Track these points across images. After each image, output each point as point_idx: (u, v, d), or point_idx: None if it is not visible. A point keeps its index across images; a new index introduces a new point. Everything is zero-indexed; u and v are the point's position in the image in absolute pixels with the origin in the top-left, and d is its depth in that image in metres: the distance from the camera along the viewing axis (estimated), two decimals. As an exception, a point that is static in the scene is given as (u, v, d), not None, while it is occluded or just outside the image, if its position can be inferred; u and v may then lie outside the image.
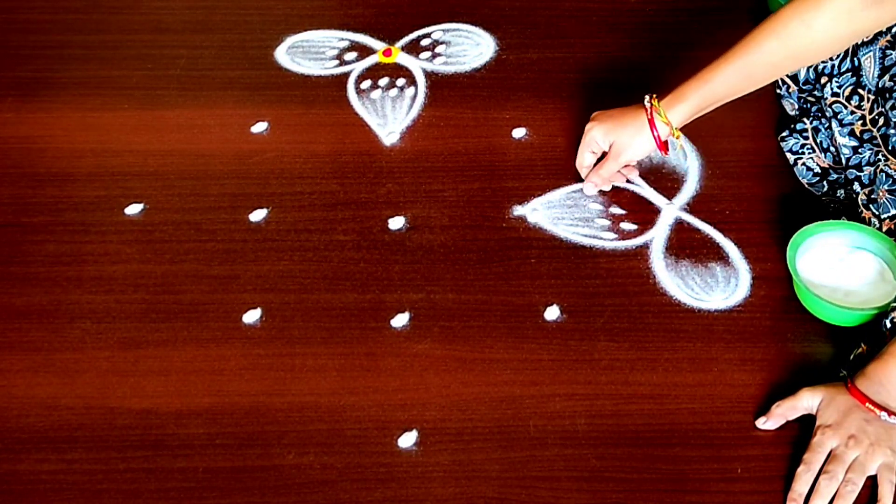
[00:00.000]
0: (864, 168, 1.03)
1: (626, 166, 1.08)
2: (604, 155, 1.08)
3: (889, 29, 1.01)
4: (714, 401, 0.91)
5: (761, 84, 1.01)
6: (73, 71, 1.26)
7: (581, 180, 1.10)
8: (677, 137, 1.03)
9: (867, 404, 0.85)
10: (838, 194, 1.07)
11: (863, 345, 0.92)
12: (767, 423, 0.89)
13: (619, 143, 1.05)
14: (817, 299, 0.94)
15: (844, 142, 1.04)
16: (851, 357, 0.92)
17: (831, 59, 1.07)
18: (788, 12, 0.94)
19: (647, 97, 1.03)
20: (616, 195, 1.10)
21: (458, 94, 1.22)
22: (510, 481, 0.86)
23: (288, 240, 1.06)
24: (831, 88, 1.06)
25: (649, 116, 1.02)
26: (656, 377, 0.93)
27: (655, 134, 1.03)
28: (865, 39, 1.03)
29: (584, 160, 1.08)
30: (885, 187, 0.99)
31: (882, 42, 1.01)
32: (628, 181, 1.11)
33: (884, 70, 1.01)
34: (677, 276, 1.02)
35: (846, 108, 1.05)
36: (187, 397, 0.92)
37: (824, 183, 1.09)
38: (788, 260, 0.97)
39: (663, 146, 1.04)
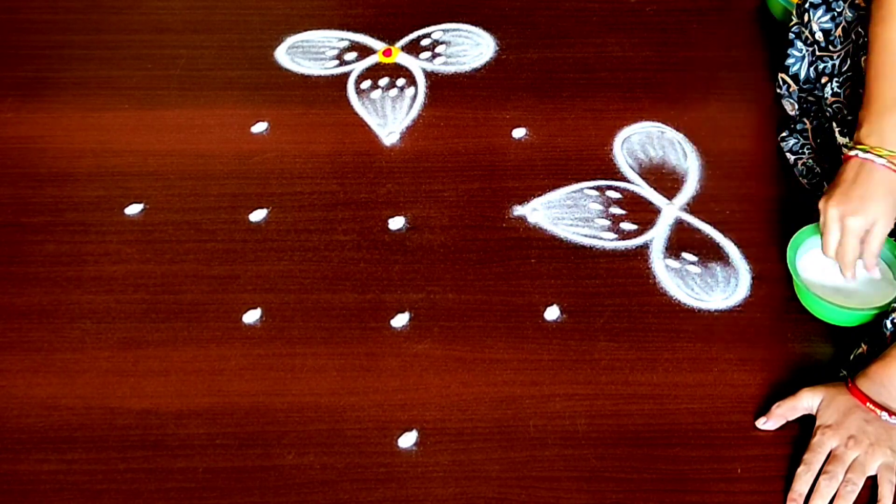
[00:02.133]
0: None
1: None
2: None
3: None
4: (714, 401, 0.91)
5: None
6: (73, 71, 1.26)
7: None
8: None
9: (868, 404, 0.85)
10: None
11: (863, 345, 0.92)
12: (767, 424, 0.89)
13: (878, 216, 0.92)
14: (817, 299, 0.94)
15: (844, 142, 1.04)
16: (852, 357, 0.92)
17: (831, 58, 1.07)
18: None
19: (854, 152, 0.93)
20: (616, 195, 1.10)
21: (458, 94, 1.22)
22: (510, 481, 0.86)
23: (288, 240, 1.06)
24: (831, 88, 1.06)
25: (890, 166, 0.91)
26: (656, 377, 0.93)
27: None
28: (866, 40, 1.03)
29: (849, 254, 0.93)
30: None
31: None
32: (627, 181, 1.11)
33: None
34: (677, 276, 1.02)
35: (846, 108, 1.04)
36: (187, 397, 0.92)
37: (824, 183, 1.09)
38: (788, 260, 0.97)
39: None
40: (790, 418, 0.89)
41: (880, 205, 0.92)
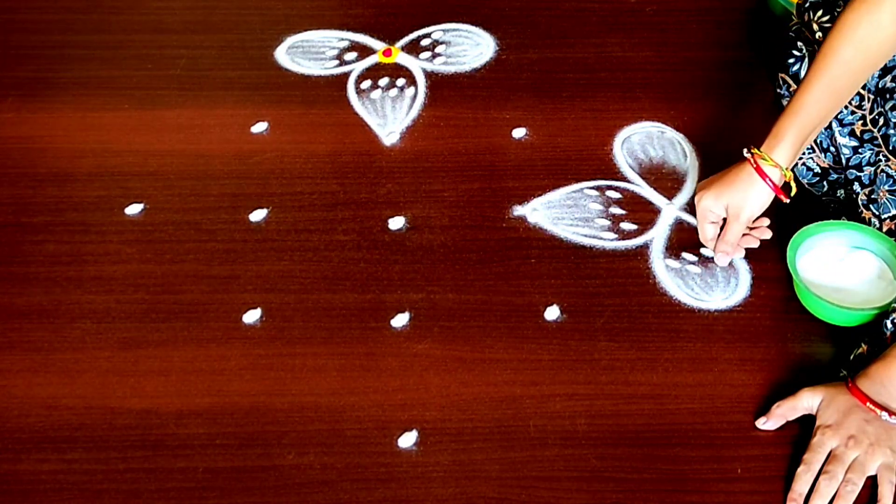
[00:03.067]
0: (865, 168, 1.03)
1: (753, 228, 1.02)
2: (724, 221, 1.02)
3: None
4: (714, 401, 0.91)
5: (847, 98, 0.98)
6: (73, 71, 1.26)
7: None
8: (789, 179, 0.98)
9: (868, 404, 0.85)
10: (838, 194, 1.07)
11: (863, 345, 0.92)
12: (767, 424, 0.89)
13: (735, 203, 0.99)
14: (817, 299, 0.94)
15: (844, 142, 1.04)
16: (852, 357, 0.92)
17: None
18: (853, 16, 0.92)
19: (745, 150, 0.98)
20: (616, 195, 1.10)
21: (458, 94, 1.22)
22: (510, 481, 0.86)
23: (288, 240, 1.06)
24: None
25: (755, 166, 0.97)
26: (656, 377, 0.93)
27: (768, 181, 0.97)
28: None
29: (706, 233, 1.01)
30: (886, 187, 0.99)
31: None
32: (627, 181, 1.11)
33: (885, 71, 1.01)
34: (677, 276, 1.02)
35: (847, 107, 1.05)
36: (187, 397, 0.92)
37: (824, 183, 1.09)
38: (788, 260, 0.97)
39: (780, 191, 0.98)
40: (790, 418, 0.88)
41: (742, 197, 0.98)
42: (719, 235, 1.01)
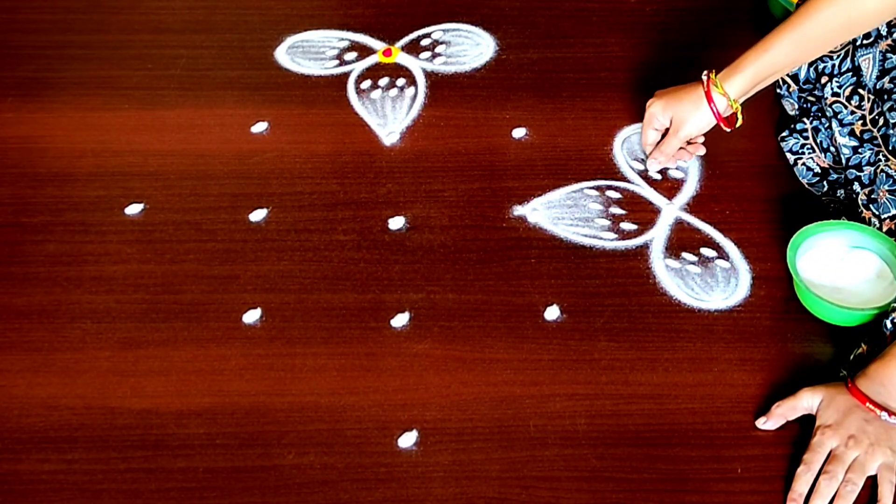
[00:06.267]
0: (864, 168, 1.03)
1: (691, 144, 1.09)
2: (666, 132, 1.09)
3: (890, 32, 1.01)
4: (714, 401, 0.91)
5: (816, 55, 1.01)
6: (73, 71, 1.26)
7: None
8: (735, 110, 1.03)
9: (867, 404, 0.85)
10: (838, 194, 1.07)
11: (863, 345, 0.92)
12: (767, 424, 0.89)
13: (678, 118, 1.05)
14: (817, 299, 0.94)
15: (844, 142, 1.04)
16: (851, 357, 0.92)
17: (831, 58, 1.07)
18: None
19: (704, 72, 1.03)
20: (616, 195, 1.10)
21: (458, 94, 1.22)
22: (510, 481, 0.86)
23: (288, 240, 1.06)
24: (831, 88, 1.06)
25: (706, 89, 1.02)
26: (656, 377, 0.93)
27: (713, 106, 1.03)
28: (865, 42, 1.03)
29: (647, 137, 1.09)
30: (886, 187, 0.99)
31: (883, 45, 1.01)
32: (627, 181, 1.11)
33: (883, 72, 1.01)
34: (677, 276, 1.02)
35: (846, 107, 1.05)
36: (187, 397, 0.92)
37: (824, 183, 1.09)
38: (788, 260, 0.97)
39: (724, 121, 1.04)
40: (790, 418, 0.89)
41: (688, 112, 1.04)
42: (658, 143, 1.09)
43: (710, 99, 1.02)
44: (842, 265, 0.98)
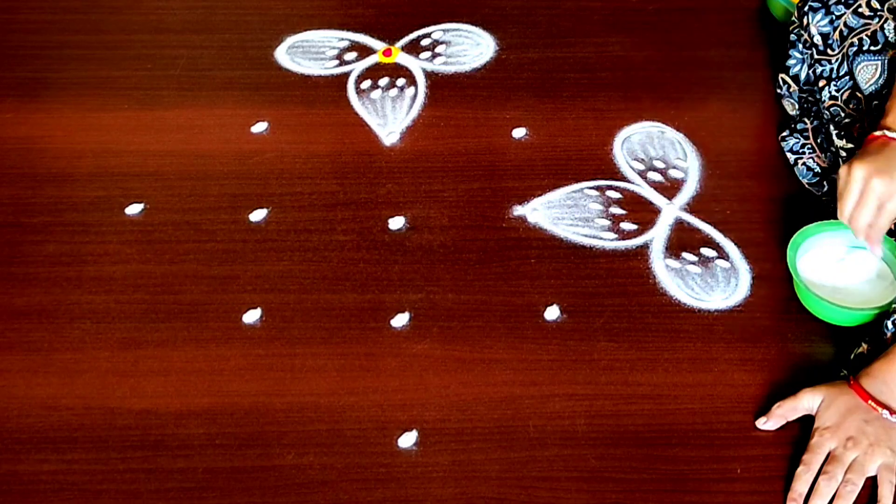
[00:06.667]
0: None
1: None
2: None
3: None
4: (714, 401, 0.91)
5: None
6: (72, 71, 1.26)
7: None
8: None
9: (869, 402, 0.85)
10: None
11: (864, 344, 0.92)
12: (768, 424, 0.89)
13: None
14: (817, 299, 0.94)
15: (842, 144, 1.04)
16: (852, 356, 0.92)
17: (829, 62, 1.07)
18: None
19: (878, 131, 0.90)
20: (616, 195, 1.10)
21: (458, 94, 1.22)
22: (510, 481, 0.86)
23: (288, 240, 1.06)
24: (829, 92, 1.06)
25: None
26: (656, 377, 0.93)
27: None
28: (873, 48, 1.02)
29: (863, 217, 0.90)
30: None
31: (892, 53, 1.01)
32: (627, 181, 1.11)
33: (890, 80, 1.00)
34: (677, 276, 1.02)
35: (844, 111, 1.04)
36: (187, 397, 0.91)
37: (824, 183, 1.09)
38: (789, 260, 0.97)
39: None
40: (790, 419, 0.88)
41: None
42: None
43: None
44: (842, 265, 0.98)
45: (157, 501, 0.85)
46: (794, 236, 0.98)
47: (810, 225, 0.99)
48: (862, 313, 0.94)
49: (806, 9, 1.09)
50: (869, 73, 1.02)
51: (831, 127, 1.05)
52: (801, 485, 0.83)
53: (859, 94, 1.03)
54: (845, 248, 0.99)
